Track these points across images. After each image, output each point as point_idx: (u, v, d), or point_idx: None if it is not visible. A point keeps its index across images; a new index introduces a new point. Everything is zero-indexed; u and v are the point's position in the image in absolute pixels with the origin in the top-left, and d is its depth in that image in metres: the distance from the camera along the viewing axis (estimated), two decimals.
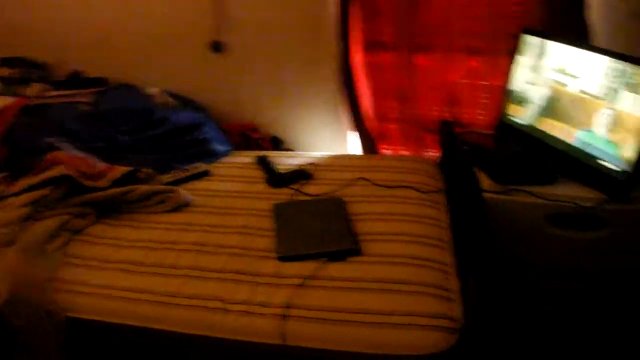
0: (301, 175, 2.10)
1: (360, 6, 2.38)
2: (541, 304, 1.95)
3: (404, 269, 1.56)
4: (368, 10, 2.40)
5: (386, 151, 2.62)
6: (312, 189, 2.02)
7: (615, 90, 1.80)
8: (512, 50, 2.20)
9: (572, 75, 1.96)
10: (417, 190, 1.95)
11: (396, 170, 2.14)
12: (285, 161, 2.26)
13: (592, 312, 1.95)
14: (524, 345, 1.89)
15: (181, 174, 2.13)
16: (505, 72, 2.25)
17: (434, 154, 2.52)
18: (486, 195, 1.84)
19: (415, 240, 1.68)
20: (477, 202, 1.74)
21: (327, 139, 2.68)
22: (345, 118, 2.58)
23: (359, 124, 2.56)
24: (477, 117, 2.45)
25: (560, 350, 1.90)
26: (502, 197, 1.85)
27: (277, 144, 2.68)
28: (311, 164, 2.23)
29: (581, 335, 1.93)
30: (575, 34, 2.13)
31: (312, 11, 2.46)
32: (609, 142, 1.81)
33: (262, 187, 2.07)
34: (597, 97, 1.86)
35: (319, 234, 1.71)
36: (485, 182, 1.90)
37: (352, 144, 2.64)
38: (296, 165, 2.22)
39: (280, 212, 1.84)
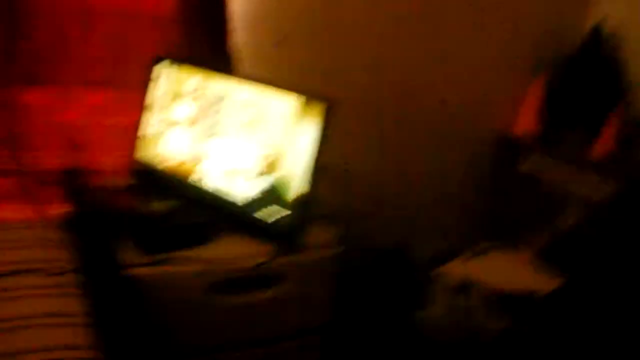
0: None
1: None
2: None
3: None
4: None
5: None
6: None
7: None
8: (146, 81, 1.87)
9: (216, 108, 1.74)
10: (37, 273, 1.38)
11: (5, 245, 1.50)
12: None
13: None
14: None
15: None
16: (140, 108, 1.91)
17: (54, 212, 1.90)
18: (135, 271, 1.41)
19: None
20: (114, 285, 1.32)
21: None
22: None
23: None
24: (109, 162, 1.98)
25: None
26: (155, 270, 1.42)
27: None
28: None
29: None
30: (217, 61, 1.92)
31: None
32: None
33: None
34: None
35: None
36: (129, 254, 1.45)
37: None
38: None
39: None
